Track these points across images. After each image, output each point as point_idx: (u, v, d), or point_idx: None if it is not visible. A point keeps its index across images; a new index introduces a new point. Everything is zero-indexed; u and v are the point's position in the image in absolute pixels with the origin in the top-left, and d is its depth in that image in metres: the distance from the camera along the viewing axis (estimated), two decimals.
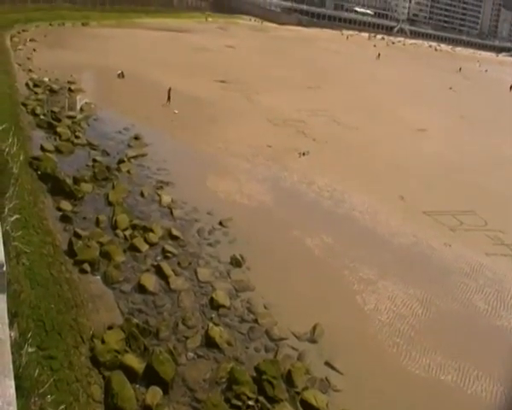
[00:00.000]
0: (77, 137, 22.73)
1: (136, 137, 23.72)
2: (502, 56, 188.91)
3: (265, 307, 12.85)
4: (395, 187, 22.58)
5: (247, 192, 19.66)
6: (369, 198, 20.81)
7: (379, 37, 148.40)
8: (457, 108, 47.77)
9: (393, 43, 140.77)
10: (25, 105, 26.11)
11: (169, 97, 29.34)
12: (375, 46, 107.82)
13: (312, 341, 11.96)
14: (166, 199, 17.89)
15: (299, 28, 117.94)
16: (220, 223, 16.85)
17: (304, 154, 24.74)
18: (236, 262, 14.62)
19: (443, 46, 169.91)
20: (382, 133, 31.87)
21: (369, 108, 39.15)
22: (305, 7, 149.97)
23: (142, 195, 18.09)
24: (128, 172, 19.78)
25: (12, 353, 4.72)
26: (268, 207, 18.88)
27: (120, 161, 20.50)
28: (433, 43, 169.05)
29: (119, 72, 34.70)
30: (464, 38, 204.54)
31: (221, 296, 12.88)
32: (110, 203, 16.95)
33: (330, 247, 16.56)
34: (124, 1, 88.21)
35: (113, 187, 18.13)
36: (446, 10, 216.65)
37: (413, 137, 32.80)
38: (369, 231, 18.21)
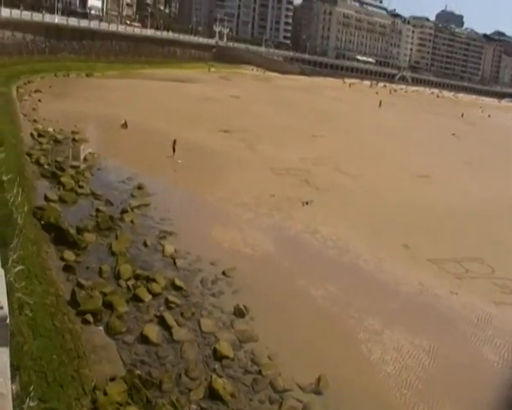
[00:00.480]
0: (80, 186, 22.87)
1: (140, 187, 23.87)
2: (504, 102, 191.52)
3: (269, 358, 12.63)
4: (399, 234, 22.50)
5: (251, 242, 19.62)
6: (373, 246, 20.70)
7: (381, 84, 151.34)
8: (461, 153, 48.14)
9: (395, 90, 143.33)
10: (29, 155, 26.41)
11: (174, 149, 29.51)
12: (377, 94, 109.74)
13: (317, 392, 11.70)
14: (169, 249, 17.84)
15: (302, 77, 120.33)
16: (223, 273, 16.74)
17: (307, 203, 24.80)
18: (240, 312, 14.45)
19: (445, 93, 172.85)
20: (385, 180, 32.01)
21: (372, 155, 39.50)
22: (307, 56, 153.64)
23: (145, 245, 18.08)
24: (131, 221, 19.81)
25: (14, 407, 4.64)
26: (272, 256, 18.81)
27: (124, 211, 20.56)
28: (436, 90, 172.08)
29: (123, 122, 35.25)
30: (466, 84, 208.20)
31: (224, 347, 12.68)
32: (113, 253, 16.92)
33: (335, 296, 16.38)
34: (128, 52, 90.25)
35: (117, 237, 18.14)
36: (448, 57, 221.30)
37: (416, 183, 32.91)
38: (374, 280, 18.04)
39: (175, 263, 17.09)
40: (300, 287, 16.68)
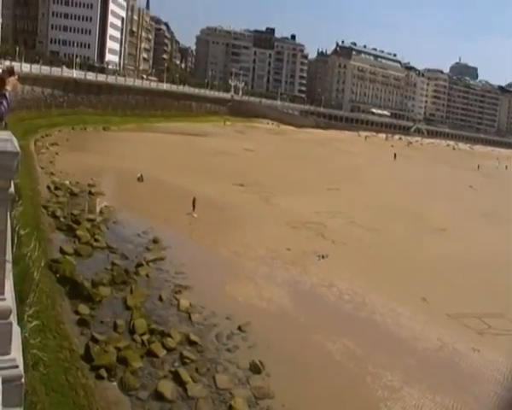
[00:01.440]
0: (96, 240, 23.04)
1: (155, 241, 23.99)
2: None
3: None
4: (417, 288, 22.14)
5: (266, 296, 19.48)
6: (390, 300, 20.41)
7: (396, 137, 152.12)
8: (478, 206, 47.68)
9: (411, 143, 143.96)
10: (46, 207, 26.74)
11: (194, 206, 29.48)
12: (392, 146, 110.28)
13: None
14: (185, 303, 17.78)
15: (317, 130, 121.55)
16: (239, 328, 16.59)
17: (323, 256, 24.68)
18: (256, 368, 14.23)
19: (461, 145, 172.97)
20: (402, 233, 31.76)
21: (388, 208, 39.33)
22: (322, 109, 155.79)
23: (160, 299, 18.04)
24: (146, 275, 19.85)
25: None
26: (288, 311, 18.62)
27: (139, 265, 20.63)
28: (451, 142, 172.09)
29: (139, 175, 35.70)
30: (482, 135, 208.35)
31: (240, 404, 12.51)
32: (128, 307, 16.89)
33: (352, 352, 16.09)
34: (144, 106, 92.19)
35: (132, 291, 18.14)
36: (463, 109, 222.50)
37: (433, 236, 32.59)
38: (392, 335, 17.71)
39: (190, 318, 17.00)
40: (317, 342, 16.44)
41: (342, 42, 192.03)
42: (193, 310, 17.47)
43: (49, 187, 31.67)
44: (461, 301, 21.42)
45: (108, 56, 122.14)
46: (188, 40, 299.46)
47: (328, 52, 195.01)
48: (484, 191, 60.92)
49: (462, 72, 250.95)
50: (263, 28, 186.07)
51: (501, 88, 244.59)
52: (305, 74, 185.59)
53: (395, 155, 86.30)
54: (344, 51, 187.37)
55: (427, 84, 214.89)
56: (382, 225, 33.03)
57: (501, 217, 43.14)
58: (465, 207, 45.82)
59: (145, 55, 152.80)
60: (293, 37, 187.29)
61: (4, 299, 3.10)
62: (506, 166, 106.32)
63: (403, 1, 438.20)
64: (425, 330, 18.29)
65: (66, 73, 77.68)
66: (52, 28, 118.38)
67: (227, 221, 28.94)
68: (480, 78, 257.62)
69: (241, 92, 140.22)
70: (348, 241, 28.17)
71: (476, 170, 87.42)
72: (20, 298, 12.36)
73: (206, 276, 21.04)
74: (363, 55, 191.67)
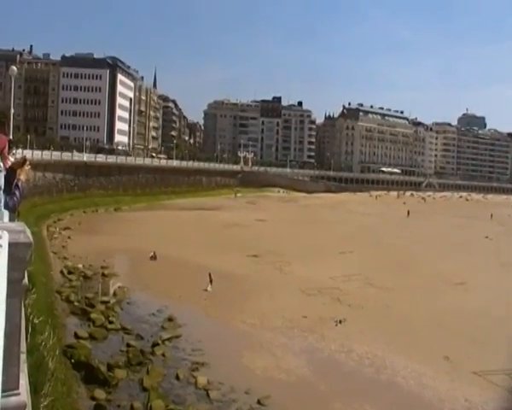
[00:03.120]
0: (110, 322, 22.99)
1: (170, 319, 23.90)
2: None
3: None
4: (438, 346, 21.67)
5: (285, 367, 19.18)
6: (411, 361, 19.96)
7: (408, 194, 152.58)
8: (496, 256, 47.17)
9: (423, 198, 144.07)
10: (59, 293, 26.89)
11: (211, 281, 29.50)
12: (404, 203, 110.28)
13: None
14: (202, 380, 17.54)
15: (328, 195, 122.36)
16: (258, 401, 16.32)
17: (340, 321, 24.36)
18: None
19: (474, 195, 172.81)
20: (420, 291, 31.36)
21: (404, 266, 39.08)
22: (332, 173, 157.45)
23: (177, 378, 17.83)
24: (162, 355, 19.68)
25: None
26: (307, 380, 18.28)
27: (154, 344, 20.49)
28: (464, 194, 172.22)
29: (152, 254, 35.94)
30: (495, 184, 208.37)
31: None
32: (145, 389, 16.70)
33: None
34: (154, 184, 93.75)
35: (148, 372, 17.95)
36: (473, 159, 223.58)
37: (452, 291, 32.14)
38: (415, 398, 17.23)
39: (208, 395, 16.75)
40: None
41: (349, 104, 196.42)
42: (211, 387, 17.22)
43: (62, 272, 31.93)
44: (485, 357, 20.79)
45: (118, 137, 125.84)
46: (196, 115, 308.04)
47: (336, 115, 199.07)
48: (500, 240, 60.25)
49: (470, 122, 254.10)
50: (269, 97, 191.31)
51: (510, 135, 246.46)
52: (313, 139, 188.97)
53: (408, 211, 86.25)
54: (351, 113, 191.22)
55: (436, 138, 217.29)
56: (399, 284, 32.70)
57: None
58: (482, 259, 45.30)
59: (154, 134, 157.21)
60: (300, 103, 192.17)
61: (19, 394, 3.17)
62: None
63: (401, 57, 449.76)
64: (450, 390, 17.77)
65: (77, 157, 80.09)
66: (62, 114, 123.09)
67: (242, 294, 28.82)
68: (488, 126, 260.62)
69: (250, 163, 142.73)
70: (365, 303, 27.86)
71: (490, 219, 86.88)
72: (35, 389, 12.37)
73: (222, 351, 20.83)
74: (370, 115, 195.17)
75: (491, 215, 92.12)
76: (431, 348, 21.48)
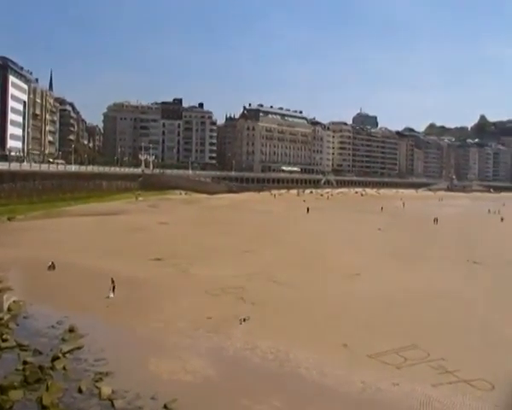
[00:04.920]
0: (4, 340, 21.52)
1: (71, 330, 23.00)
2: (421, 191, 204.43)
3: None
4: (338, 335, 22.88)
5: (191, 369, 19.27)
6: (313, 352, 20.86)
7: (307, 191, 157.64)
8: (388, 246, 50.44)
9: (322, 195, 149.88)
10: None
11: (113, 287, 28.65)
12: (304, 201, 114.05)
13: None
14: (106, 390, 17.14)
15: (230, 195, 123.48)
16: (165, 406, 16.27)
17: (244, 320, 24.84)
18: None
19: (368, 190, 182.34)
20: (319, 284, 32.79)
21: (304, 262, 40.56)
22: (233, 173, 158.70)
23: (79, 391, 17.27)
24: (63, 368, 18.95)
25: None
26: (213, 380, 18.52)
27: (54, 358, 19.64)
28: (359, 189, 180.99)
29: (50, 263, 34.40)
30: (386, 179, 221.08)
31: None
32: (44, 407, 16.01)
33: None
34: (51, 190, 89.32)
35: (47, 388, 17.15)
36: (367, 156, 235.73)
37: (349, 282, 33.91)
38: (317, 386, 18.07)
39: (113, 405, 16.42)
40: (245, 406, 16.45)
41: (249, 104, 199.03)
42: (115, 396, 16.89)
43: None
44: (378, 340, 22.39)
45: (11, 143, 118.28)
46: (95, 118, 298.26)
47: (237, 116, 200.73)
48: (391, 231, 64.51)
49: (364, 121, 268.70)
50: (170, 99, 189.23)
51: (398, 133, 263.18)
52: (214, 141, 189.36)
53: (308, 208, 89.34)
54: (251, 114, 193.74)
55: (333, 137, 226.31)
56: (300, 279, 33.93)
57: (409, 255, 45.95)
58: (376, 250, 48.17)
59: (50, 138, 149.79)
60: (201, 105, 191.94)
61: None
62: (403, 204, 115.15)
63: (300, 58, 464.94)
64: (348, 375, 18.81)
65: None
66: None
67: (146, 298, 28.47)
68: (380, 125, 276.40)
69: (151, 166, 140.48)
70: (268, 300, 28.58)
71: (384, 213, 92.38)
72: None
73: (127, 358, 20.50)
74: (270, 116, 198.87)
75: (382, 208, 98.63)
76: (331, 338, 22.64)
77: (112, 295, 28.28)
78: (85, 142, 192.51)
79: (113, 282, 28.65)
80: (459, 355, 20.71)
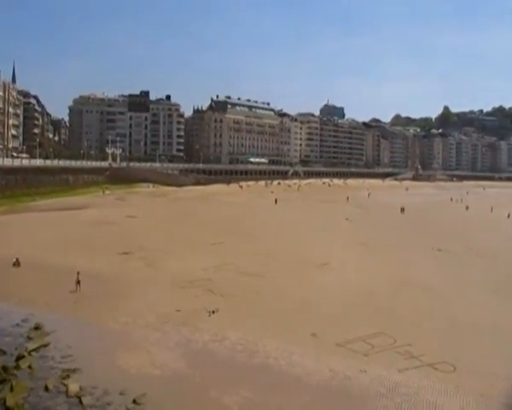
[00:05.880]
0: None
1: (37, 327, 22.58)
2: (388, 181, 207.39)
3: None
4: (306, 325, 23.11)
5: (160, 362, 19.20)
6: (282, 342, 21.02)
7: (275, 182, 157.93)
8: (355, 236, 51.09)
9: (289, 186, 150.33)
10: None
11: (78, 282, 28.37)
12: (272, 192, 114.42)
13: None
14: (74, 388, 16.89)
15: (198, 187, 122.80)
16: (134, 401, 16.15)
17: (213, 312, 24.89)
18: None
19: (335, 181, 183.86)
20: (289, 275, 33.02)
21: (273, 252, 40.75)
22: (201, 165, 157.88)
23: (46, 389, 16.96)
24: (29, 367, 18.54)
25: None
26: (182, 373, 18.49)
27: (19, 358, 19.17)
28: (327, 180, 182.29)
29: (14, 260, 33.68)
30: (353, 169, 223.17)
31: None
32: (8, 408, 15.60)
33: (249, 400, 16.35)
34: (15, 185, 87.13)
35: (12, 388, 16.74)
36: (334, 147, 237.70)
37: (317, 272, 34.29)
38: (286, 376, 18.23)
39: (81, 402, 16.19)
40: (214, 398, 16.48)
41: (217, 96, 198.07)
42: (83, 393, 16.67)
43: None
44: (347, 328, 22.78)
45: None
46: (60, 112, 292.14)
47: (204, 108, 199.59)
48: (358, 221, 65.38)
49: (331, 112, 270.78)
50: (137, 92, 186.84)
51: (365, 124, 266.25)
52: (182, 133, 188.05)
53: (276, 200, 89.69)
54: (219, 106, 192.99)
55: (301, 128, 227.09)
56: (269, 270, 34.11)
57: (377, 244, 46.72)
58: (344, 239, 48.78)
59: (14, 132, 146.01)
60: (168, 97, 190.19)
61: None
62: (368, 195, 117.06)
63: (266, 50, 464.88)
64: (317, 364, 19.06)
65: None
66: None
67: (114, 293, 28.18)
68: (347, 116, 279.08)
69: (118, 159, 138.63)
70: (237, 292, 28.67)
71: (353, 203, 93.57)
72: None
73: (95, 354, 20.29)
74: (237, 108, 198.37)
75: (348, 198, 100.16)
76: (300, 328, 22.86)
77: (78, 289, 27.93)
78: (50, 135, 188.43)
79: (78, 276, 28.27)
80: (424, 340, 21.31)
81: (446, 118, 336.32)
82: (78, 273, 28.51)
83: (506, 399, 16.68)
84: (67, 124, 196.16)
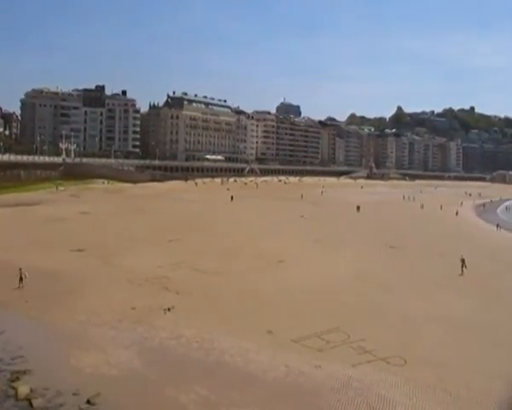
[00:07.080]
0: None
1: None
2: (343, 179, 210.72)
3: None
4: (262, 322, 23.27)
5: (115, 361, 18.97)
6: (238, 339, 21.14)
7: (232, 180, 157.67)
8: (311, 233, 51.70)
9: (246, 183, 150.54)
10: None
11: (21, 278, 27.74)
12: (228, 189, 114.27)
13: None
14: (24, 390, 16.41)
15: (154, 184, 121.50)
16: (88, 401, 15.90)
17: (169, 309, 24.76)
18: None
19: (291, 178, 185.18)
20: (245, 272, 33.17)
21: (229, 250, 40.83)
22: (157, 162, 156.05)
23: None
24: None
25: None
26: (138, 372, 18.33)
27: None
28: (283, 178, 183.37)
29: None
30: (309, 167, 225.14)
31: None
32: None
33: (205, 398, 16.35)
34: None
35: None
36: (290, 145, 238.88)
37: (273, 269, 34.55)
38: (242, 373, 18.33)
39: (31, 404, 15.77)
40: (170, 397, 16.42)
41: (173, 93, 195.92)
42: (34, 395, 16.24)
43: None
44: (302, 325, 23.07)
45: None
46: (12, 105, 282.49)
47: (160, 104, 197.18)
48: (313, 218, 66.25)
49: (288, 110, 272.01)
50: (92, 86, 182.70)
51: (321, 122, 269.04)
52: (138, 129, 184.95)
53: (232, 197, 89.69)
54: (175, 102, 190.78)
55: (257, 126, 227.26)
56: (225, 267, 34.18)
57: (332, 241, 47.50)
58: (299, 237, 49.33)
59: None
60: (124, 92, 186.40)
61: None
62: (322, 192, 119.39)
63: (222, 48, 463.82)
64: (272, 361, 19.24)
65: None
66: None
67: (67, 291, 27.61)
68: (303, 114, 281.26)
69: (73, 154, 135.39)
70: (193, 289, 28.61)
71: (308, 201, 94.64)
72: None
73: (47, 354, 19.91)
74: (194, 104, 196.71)
75: (302, 196, 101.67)
76: (256, 325, 23.02)
77: (20, 285, 27.24)
78: (1, 129, 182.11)
79: (21, 272, 27.56)
80: (377, 335, 21.87)
81: (399, 118, 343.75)
82: (20, 269, 27.84)
83: (454, 387, 17.34)
84: (19, 118, 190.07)
